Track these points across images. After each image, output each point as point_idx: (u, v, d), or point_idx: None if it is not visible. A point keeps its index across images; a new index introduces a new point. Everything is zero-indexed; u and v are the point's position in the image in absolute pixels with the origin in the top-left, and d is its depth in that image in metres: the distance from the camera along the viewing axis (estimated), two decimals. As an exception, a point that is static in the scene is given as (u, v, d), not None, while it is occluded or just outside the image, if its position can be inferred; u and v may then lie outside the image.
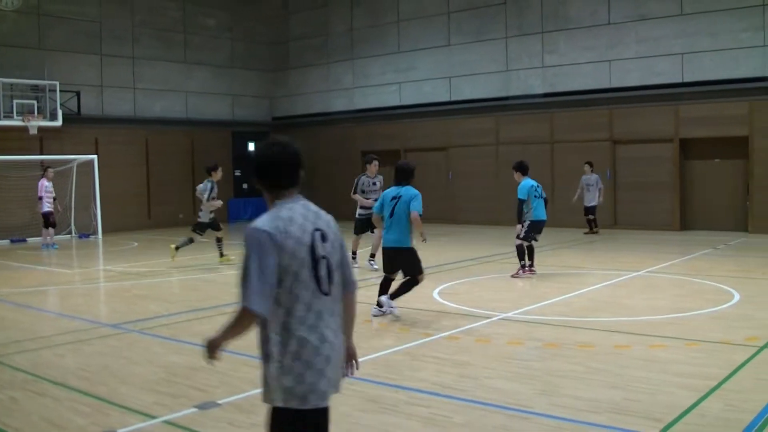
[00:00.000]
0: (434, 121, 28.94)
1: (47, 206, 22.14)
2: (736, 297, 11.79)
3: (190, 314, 11.42)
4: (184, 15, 31.08)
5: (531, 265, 14.61)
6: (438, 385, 7.30)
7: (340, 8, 31.94)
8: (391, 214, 10.50)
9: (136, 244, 23.08)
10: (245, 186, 33.25)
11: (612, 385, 7.19)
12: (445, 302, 11.87)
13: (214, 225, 17.68)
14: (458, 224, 27.21)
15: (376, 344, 9.10)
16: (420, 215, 10.42)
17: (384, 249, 10.81)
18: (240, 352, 8.70)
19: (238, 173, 32.89)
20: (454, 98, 28.50)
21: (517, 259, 14.58)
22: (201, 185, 17.60)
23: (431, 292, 12.68)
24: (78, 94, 27.16)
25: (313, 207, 3.94)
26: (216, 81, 32.38)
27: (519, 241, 14.47)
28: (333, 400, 6.79)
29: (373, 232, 15.19)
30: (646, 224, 23.66)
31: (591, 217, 22.64)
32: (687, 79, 23.24)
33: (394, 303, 10.77)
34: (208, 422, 6.39)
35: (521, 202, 14.26)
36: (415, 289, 11.50)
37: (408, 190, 10.55)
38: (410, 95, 29.74)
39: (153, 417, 6.48)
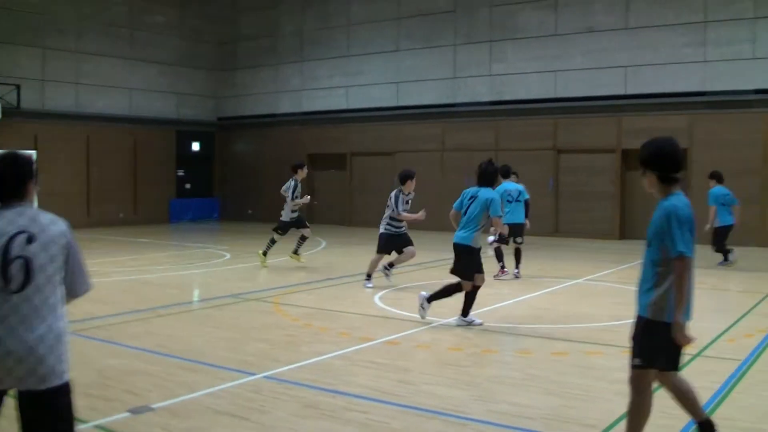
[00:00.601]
0: (381, 126, 28.98)
1: None
2: (673, 307, 11.93)
3: (126, 316, 11.22)
4: (130, 10, 30.69)
5: (516, 268, 15.20)
6: (377, 390, 7.28)
7: (289, 10, 31.83)
8: (465, 213, 10.45)
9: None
10: (188, 186, 32.96)
11: (549, 391, 7.23)
12: (387, 307, 11.87)
13: (299, 222, 17.06)
14: (402, 229, 27.28)
15: (315, 349, 9.05)
16: (500, 217, 10.45)
17: (453, 245, 10.62)
18: (177, 356, 8.63)
19: (181, 173, 32.60)
20: (401, 103, 28.56)
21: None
22: (285, 184, 16.96)
23: (373, 297, 12.68)
24: (18, 87, 26.61)
25: (30, 213, 4.15)
26: (161, 79, 32.00)
27: (495, 244, 14.98)
28: (270, 405, 6.77)
29: (400, 252, 14.48)
30: (586, 233, 23.94)
31: None
32: (630, 92, 23.63)
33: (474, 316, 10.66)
34: (141, 427, 6.28)
35: None
36: (357, 294, 11.45)
37: (485, 192, 10.42)
38: (358, 99, 29.74)
39: (85, 421, 6.33)
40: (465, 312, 10.50)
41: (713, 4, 22.30)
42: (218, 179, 34.22)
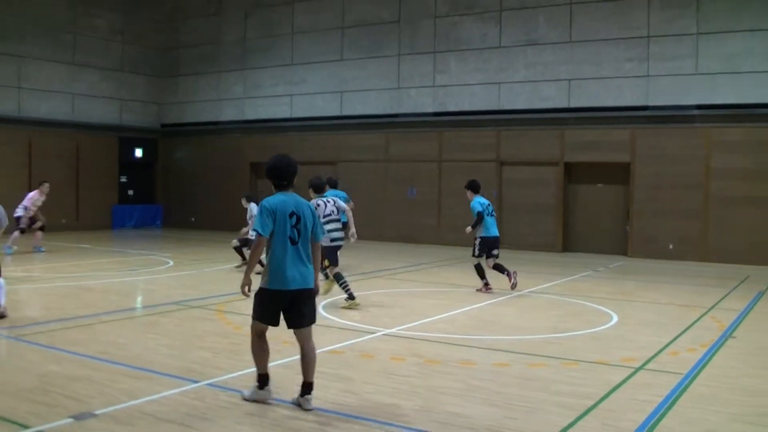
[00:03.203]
0: (324, 135, 28.95)
1: (20, 211, 21.40)
2: (614, 319, 12.12)
3: (68, 322, 11.08)
4: (74, 15, 30.26)
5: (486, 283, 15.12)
6: (320, 399, 7.25)
7: (232, 18, 31.65)
8: None
9: (15, 248, 22.09)
10: (131, 192, 32.61)
11: (491, 402, 7.28)
12: (330, 317, 11.84)
13: None
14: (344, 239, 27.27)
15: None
16: None
17: None
18: (119, 362, 8.53)
19: (124, 179, 32.24)
20: (345, 113, 28.55)
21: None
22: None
23: (317, 307, 12.65)
24: (-42, 91, 26.16)
25: None
26: (104, 84, 31.57)
27: (475, 260, 15.11)
28: (212, 413, 6.73)
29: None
30: (529, 245, 24.13)
31: None
32: (573, 105, 23.89)
33: None
34: (83, 433, 6.21)
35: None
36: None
37: None
38: (301, 108, 29.68)
39: (26, 427, 6.26)
40: None
41: (656, 20, 22.67)
42: (161, 186, 33.90)
